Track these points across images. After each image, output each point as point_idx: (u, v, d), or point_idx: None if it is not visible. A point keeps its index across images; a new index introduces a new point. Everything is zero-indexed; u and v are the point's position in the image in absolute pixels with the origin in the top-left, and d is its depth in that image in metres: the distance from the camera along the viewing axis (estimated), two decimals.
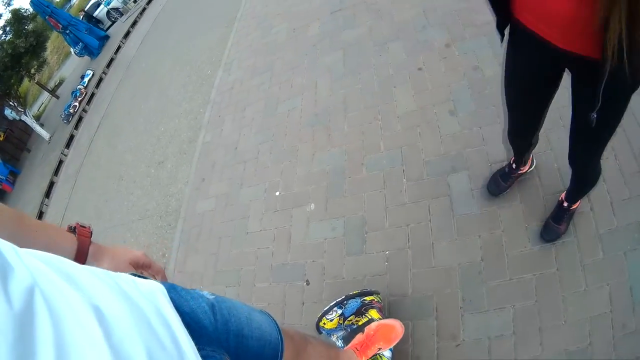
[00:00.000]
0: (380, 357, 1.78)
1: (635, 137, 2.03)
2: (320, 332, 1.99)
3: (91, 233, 0.96)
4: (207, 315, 0.84)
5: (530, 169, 2.16)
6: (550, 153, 2.16)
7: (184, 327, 0.65)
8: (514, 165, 2.06)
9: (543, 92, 1.55)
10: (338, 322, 1.93)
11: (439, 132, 2.44)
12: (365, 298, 1.93)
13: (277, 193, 2.83)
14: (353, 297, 1.93)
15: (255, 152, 3.22)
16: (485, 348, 1.74)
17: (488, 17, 2.98)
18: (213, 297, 0.93)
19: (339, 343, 1.93)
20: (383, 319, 1.87)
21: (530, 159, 2.12)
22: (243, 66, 4.23)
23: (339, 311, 1.92)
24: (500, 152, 2.25)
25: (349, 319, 1.92)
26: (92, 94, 9.36)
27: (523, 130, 1.81)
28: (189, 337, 0.64)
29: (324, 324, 1.94)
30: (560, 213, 1.98)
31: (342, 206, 2.46)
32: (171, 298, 0.74)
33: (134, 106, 6.54)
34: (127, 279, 0.67)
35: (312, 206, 2.60)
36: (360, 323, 1.89)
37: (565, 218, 1.99)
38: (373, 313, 1.89)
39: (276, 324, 1.12)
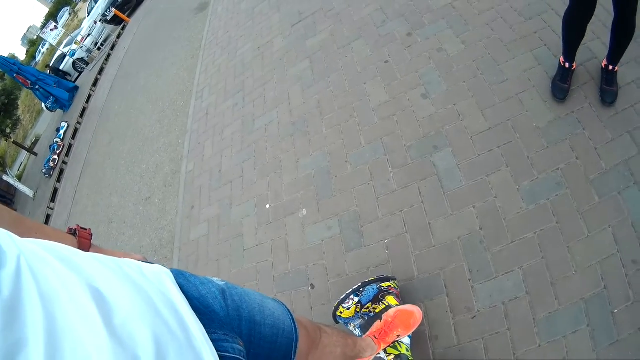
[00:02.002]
0: (400, 344, 1.76)
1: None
2: (337, 322, 1.95)
3: (91, 235, 0.95)
4: (217, 300, 0.81)
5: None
6: None
7: (192, 311, 0.64)
8: (566, 65, 2.21)
9: None
10: (355, 310, 1.89)
11: (415, 117, 2.48)
12: (381, 284, 1.89)
13: (268, 206, 2.83)
14: (369, 283, 1.89)
15: (239, 170, 3.22)
16: (501, 313, 1.75)
17: (444, 1, 3.08)
18: (223, 283, 0.90)
19: (357, 332, 1.90)
20: (400, 305, 1.85)
21: None
22: (215, 91, 4.25)
23: (356, 299, 1.88)
24: (480, 123, 2.30)
25: (366, 306, 1.88)
26: (70, 146, 9.28)
27: (588, 10, 1.97)
28: (198, 320, 0.63)
29: (341, 312, 1.91)
30: (609, 77, 2.13)
31: (334, 205, 2.47)
32: (179, 284, 0.72)
33: (113, 150, 6.51)
34: (131, 264, 0.66)
35: (304, 211, 2.60)
36: (377, 310, 1.87)
37: (614, 80, 2.13)
38: (390, 299, 1.87)
39: (290, 312, 1.09)
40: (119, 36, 12.59)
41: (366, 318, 1.88)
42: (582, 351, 1.64)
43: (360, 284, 1.88)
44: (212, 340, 0.62)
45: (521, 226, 1.93)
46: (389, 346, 1.76)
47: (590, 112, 2.16)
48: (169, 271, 0.72)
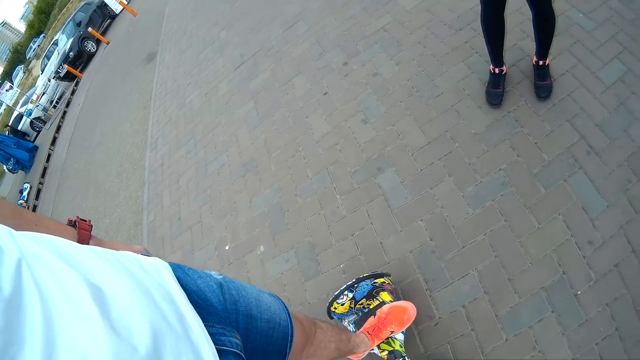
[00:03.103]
0: (393, 340, 1.77)
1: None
2: (331, 317, 1.95)
3: (91, 227, 0.94)
4: (215, 294, 0.81)
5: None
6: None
7: (191, 305, 0.63)
8: (496, 70, 2.35)
9: None
10: (349, 306, 1.89)
11: (357, 143, 2.57)
12: (376, 280, 1.89)
13: (227, 247, 2.85)
14: (364, 279, 1.89)
15: (197, 216, 3.24)
16: (463, 316, 1.80)
17: (376, 25, 3.24)
18: (221, 277, 0.89)
19: (351, 327, 1.90)
20: (394, 301, 1.85)
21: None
22: (167, 140, 4.29)
23: (350, 295, 1.88)
24: (419, 139, 2.40)
25: (360, 302, 1.88)
26: (35, 206, 9.09)
27: (499, 10, 2.09)
28: (196, 314, 0.62)
29: (335, 308, 1.90)
30: (541, 72, 2.26)
31: (289, 238, 2.51)
32: (178, 277, 0.71)
33: (76, 207, 6.41)
34: (130, 257, 0.65)
35: (262, 248, 2.63)
36: (371, 306, 1.87)
37: (547, 74, 2.26)
38: (384, 295, 1.87)
39: (286, 307, 1.09)
40: (73, 92, 12.54)
41: (360, 314, 1.88)
42: (551, 337, 1.68)
43: (354, 280, 1.89)
44: (210, 333, 0.62)
45: (470, 230, 2.00)
46: (383, 342, 1.77)
47: (527, 109, 2.27)
48: (167, 264, 0.72)
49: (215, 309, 0.78)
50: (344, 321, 1.94)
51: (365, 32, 3.27)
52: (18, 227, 0.59)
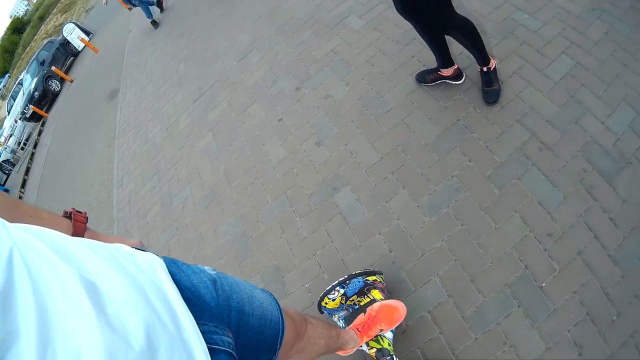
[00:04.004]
0: (382, 338, 1.78)
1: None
2: (322, 312, 1.95)
3: (87, 219, 0.94)
4: (209, 290, 0.80)
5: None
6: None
7: (184, 302, 0.63)
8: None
9: None
10: (340, 302, 1.89)
11: (313, 165, 2.66)
12: (367, 278, 1.89)
13: None
14: (356, 276, 1.88)
15: (166, 250, 3.26)
16: (430, 321, 1.84)
17: (326, 49, 3.36)
18: (214, 272, 0.88)
19: (341, 323, 1.90)
20: (385, 299, 1.85)
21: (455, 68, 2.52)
22: (133, 177, 4.30)
23: (342, 291, 1.87)
24: (372, 156, 2.49)
25: (351, 298, 1.88)
26: None
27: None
28: (189, 312, 0.62)
29: (326, 303, 1.90)
30: (486, 77, 2.37)
31: (254, 263, 2.56)
32: (171, 272, 0.71)
33: None
34: (124, 252, 0.65)
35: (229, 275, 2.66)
36: (362, 303, 1.87)
37: (493, 79, 2.37)
38: (375, 293, 1.87)
39: (277, 303, 1.08)
40: (39, 133, 12.34)
41: (350, 310, 1.88)
42: (521, 330, 1.72)
43: (346, 276, 1.88)
44: (202, 332, 0.62)
45: (428, 238, 2.06)
46: (372, 340, 1.77)
47: (476, 114, 2.38)
48: (161, 260, 0.71)
49: (208, 305, 0.78)
50: (334, 316, 1.94)
51: (315, 56, 3.39)
52: (13, 219, 0.59)
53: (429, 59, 2.64)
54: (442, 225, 2.07)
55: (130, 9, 7.82)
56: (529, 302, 1.76)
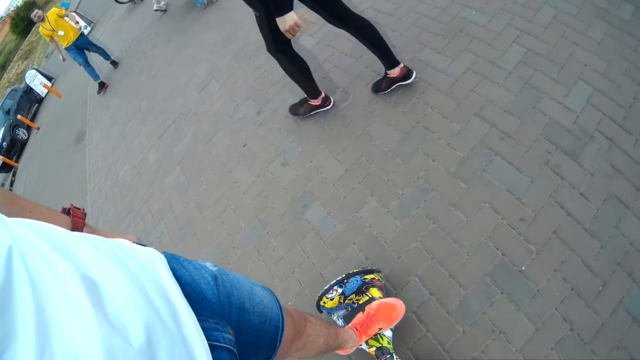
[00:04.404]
0: (381, 336, 1.77)
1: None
2: (320, 312, 1.95)
3: (85, 215, 0.94)
4: (210, 286, 0.79)
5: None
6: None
7: (185, 299, 0.62)
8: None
9: None
10: (339, 300, 1.88)
11: (282, 186, 2.72)
12: (366, 276, 1.88)
13: None
14: (354, 275, 1.87)
15: None
16: (415, 321, 1.85)
17: (282, 73, 3.42)
18: (215, 268, 0.88)
19: (340, 322, 1.88)
20: (384, 297, 1.84)
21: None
22: (107, 218, 4.28)
23: (340, 290, 1.86)
24: (337, 169, 2.55)
25: (349, 297, 1.87)
26: None
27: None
28: (190, 309, 0.61)
29: (325, 303, 1.89)
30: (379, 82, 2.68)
31: None
32: (173, 268, 0.71)
33: None
34: (125, 247, 0.64)
35: None
36: (361, 302, 1.86)
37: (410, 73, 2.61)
38: (374, 292, 1.87)
39: (277, 301, 1.08)
40: (12, 183, 12.08)
41: (349, 309, 1.87)
42: (507, 316, 1.74)
43: (344, 275, 1.87)
44: (203, 328, 0.61)
45: (402, 241, 2.09)
46: (371, 338, 1.76)
47: (434, 115, 2.46)
48: (162, 256, 0.70)
49: (210, 302, 0.77)
50: (333, 316, 1.93)
51: (273, 79, 3.48)
52: (12, 214, 0.58)
53: (383, 69, 2.74)
54: (414, 227, 2.11)
55: (63, 60, 7.73)
56: (511, 287, 1.80)
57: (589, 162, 2.03)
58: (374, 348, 1.75)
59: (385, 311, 1.76)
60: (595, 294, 1.70)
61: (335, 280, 1.87)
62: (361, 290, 1.87)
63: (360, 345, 1.77)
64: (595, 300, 1.70)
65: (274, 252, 2.49)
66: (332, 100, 2.89)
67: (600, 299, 1.70)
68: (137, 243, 0.72)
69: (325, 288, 1.87)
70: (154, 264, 0.65)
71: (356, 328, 1.73)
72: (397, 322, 1.77)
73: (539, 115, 2.23)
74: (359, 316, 1.78)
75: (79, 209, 0.94)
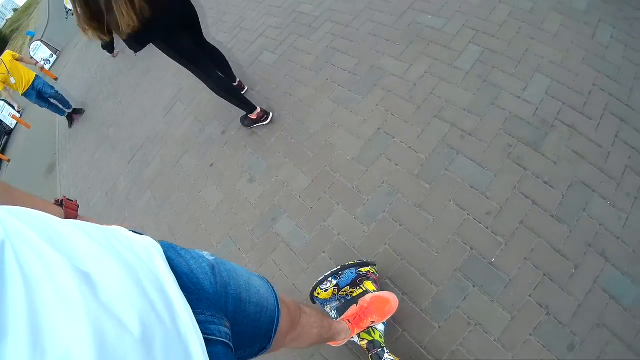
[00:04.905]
0: (374, 330, 1.77)
1: None
2: (314, 302, 1.95)
3: (78, 207, 0.93)
4: (207, 276, 0.77)
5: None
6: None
7: (181, 291, 0.61)
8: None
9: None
10: (332, 292, 1.87)
11: (250, 202, 2.76)
12: (361, 269, 1.87)
13: None
14: (349, 267, 1.86)
15: None
16: (390, 322, 1.85)
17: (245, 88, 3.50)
18: (213, 258, 0.87)
19: (333, 314, 1.89)
20: (378, 291, 1.85)
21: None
22: None
23: (334, 282, 1.85)
24: (302, 181, 2.59)
25: (343, 289, 1.87)
26: None
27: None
28: (186, 301, 0.60)
29: (318, 294, 1.88)
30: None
31: None
32: (170, 258, 0.69)
33: None
34: (120, 236, 0.62)
35: None
36: (354, 294, 1.86)
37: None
38: (368, 285, 1.87)
39: (274, 291, 1.07)
40: None
41: (343, 301, 1.88)
42: (481, 307, 1.77)
43: (339, 267, 1.86)
44: (199, 321, 0.60)
45: (371, 245, 2.13)
46: (363, 331, 1.76)
47: (395, 120, 2.54)
48: (159, 246, 0.68)
49: (207, 293, 0.75)
50: (326, 307, 1.94)
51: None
52: (5, 202, 0.57)
53: (342, 77, 2.82)
54: (382, 230, 2.16)
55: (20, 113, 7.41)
56: (483, 279, 1.84)
57: (551, 151, 2.10)
58: (366, 341, 1.76)
59: (378, 305, 1.77)
60: (569, 277, 1.76)
61: (330, 272, 1.87)
62: (355, 283, 1.87)
63: (353, 337, 1.78)
64: (569, 283, 1.75)
65: (247, 267, 2.48)
66: (270, 116, 3.13)
67: (574, 281, 1.75)
68: (132, 231, 0.71)
69: (320, 279, 1.87)
70: (150, 254, 0.63)
71: (349, 320, 1.74)
72: (389, 316, 1.78)
73: (499, 111, 2.31)
74: (352, 309, 1.79)
75: (72, 200, 0.94)
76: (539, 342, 1.67)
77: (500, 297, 1.78)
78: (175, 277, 0.63)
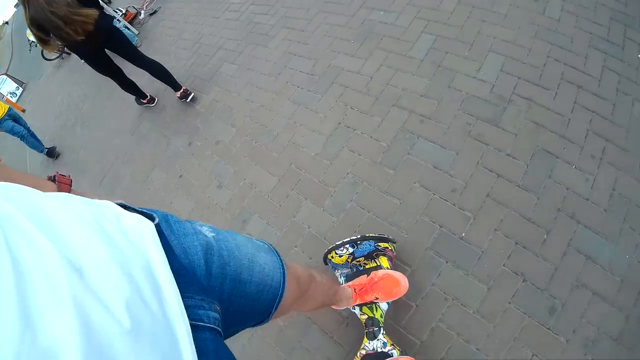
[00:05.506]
0: (376, 307, 1.74)
1: None
2: (326, 264, 1.95)
3: (71, 181, 0.93)
4: (198, 256, 0.74)
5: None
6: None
7: (171, 274, 0.58)
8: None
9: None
10: (347, 259, 1.85)
11: (219, 206, 2.83)
12: (380, 244, 1.84)
13: None
14: (368, 239, 1.83)
15: None
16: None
17: (208, 100, 3.59)
18: (213, 234, 0.83)
19: (341, 279, 1.88)
20: (391, 269, 1.80)
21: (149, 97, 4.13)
22: None
23: (351, 249, 1.83)
24: (270, 181, 2.66)
25: (358, 259, 1.84)
26: None
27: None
28: (175, 285, 0.57)
29: (332, 257, 1.87)
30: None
31: None
32: (163, 234, 0.66)
33: None
34: (110, 214, 0.60)
35: None
36: (367, 267, 1.82)
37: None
38: (383, 260, 1.83)
39: (282, 266, 1.02)
40: None
41: (354, 270, 1.85)
42: (457, 282, 1.81)
43: (359, 236, 1.84)
44: (187, 306, 0.57)
45: (341, 234, 2.17)
46: (366, 305, 1.74)
47: (354, 113, 2.63)
48: (152, 226, 0.64)
49: (197, 275, 0.72)
50: (336, 271, 1.93)
51: (199, 110, 3.62)
52: None
53: (300, 78, 2.94)
54: (350, 219, 2.21)
55: None
56: (455, 255, 1.88)
57: (510, 124, 2.17)
58: (366, 316, 1.75)
59: (388, 283, 1.74)
60: (542, 243, 1.80)
61: (349, 239, 1.84)
62: (371, 256, 1.85)
63: (353, 308, 1.78)
64: (542, 248, 1.79)
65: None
66: (155, 100, 4.18)
67: (547, 247, 1.79)
68: (128, 207, 0.69)
69: (337, 243, 1.85)
70: (140, 234, 0.60)
71: (355, 289, 1.73)
72: (395, 298, 1.75)
73: (455, 93, 2.39)
74: (362, 278, 1.77)
75: (65, 176, 0.94)
76: (518, 310, 1.70)
77: (475, 270, 1.81)
78: (167, 257, 0.61)
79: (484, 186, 2.02)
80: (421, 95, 2.49)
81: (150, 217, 0.68)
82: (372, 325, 1.73)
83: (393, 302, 1.79)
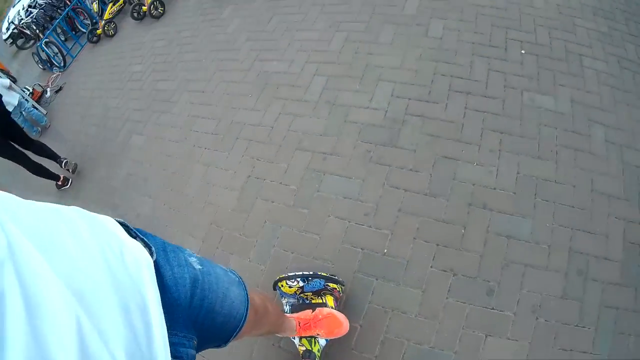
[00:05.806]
0: (315, 341, 1.78)
1: None
2: (274, 290, 1.95)
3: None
4: (186, 290, 0.77)
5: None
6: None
7: (162, 311, 0.60)
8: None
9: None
10: (295, 291, 1.89)
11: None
12: (329, 284, 1.87)
13: None
14: (320, 277, 1.87)
15: None
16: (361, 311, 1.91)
17: (123, 173, 3.54)
18: (199, 267, 0.87)
19: (287, 308, 1.92)
20: (335, 309, 1.84)
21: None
22: None
23: (301, 283, 1.86)
24: (192, 244, 2.61)
25: (306, 293, 1.89)
26: None
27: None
28: (164, 323, 0.59)
29: (282, 285, 1.89)
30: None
31: None
32: (158, 265, 0.68)
33: None
34: (113, 245, 0.60)
35: None
36: (314, 302, 1.88)
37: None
38: (329, 299, 1.87)
39: (247, 299, 1.08)
40: None
41: (300, 302, 1.90)
42: (390, 294, 1.87)
43: (312, 273, 1.87)
44: (172, 343, 0.59)
45: (271, 279, 2.00)
46: (306, 338, 1.79)
47: (261, 164, 2.72)
48: (150, 262, 0.65)
49: (183, 308, 0.75)
50: (283, 299, 1.97)
51: (115, 186, 3.59)
52: None
53: (208, 142, 3.03)
54: (277, 263, 2.25)
55: None
56: (383, 271, 1.93)
57: (408, 142, 2.30)
58: (304, 348, 1.79)
59: (331, 322, 1.78)
60: (461, 238, 1.90)
61: (301, 273, 1.88)
62: (319, 293, 1.89)
63: (294, 338, 1.83)
64: (463, 242, 1.88)
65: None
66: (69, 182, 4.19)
67: (467, 239, 1.89)
68: (126, 226, 0.71)
69: (290, 275, 1.89)
70: (139, 267, 0.61)
71: (299, 323, 1.76)
72: (334, 337, 1.79)
73: (352, 126, 2.52)
74: (307, 313, 1.82)
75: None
76: (458, 301, 1.78)
77: (405, 279, 1.88)
78: (160, 290, 0.62)
79: (394, 203, 2.12)
80: (320, 135, 2.61)
81: (149, 247, 0.71)
82: (308, 358, 1.79)
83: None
